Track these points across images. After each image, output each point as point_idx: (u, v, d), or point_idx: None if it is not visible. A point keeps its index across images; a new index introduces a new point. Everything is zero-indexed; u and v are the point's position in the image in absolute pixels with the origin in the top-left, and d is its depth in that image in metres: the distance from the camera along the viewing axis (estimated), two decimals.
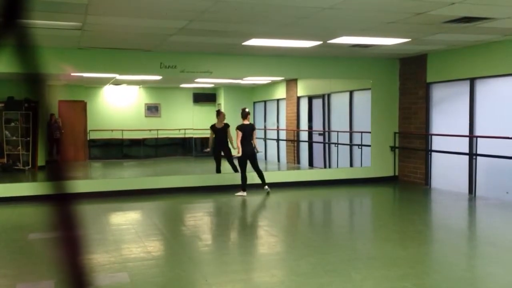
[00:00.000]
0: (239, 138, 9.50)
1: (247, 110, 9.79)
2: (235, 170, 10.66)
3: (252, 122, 9.88)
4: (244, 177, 9.58)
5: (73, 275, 0.93)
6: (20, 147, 13.68)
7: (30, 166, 13.73)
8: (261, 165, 15.95)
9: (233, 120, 11.47)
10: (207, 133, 11.48)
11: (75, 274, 0.93)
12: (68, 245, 0.93)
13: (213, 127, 10.74)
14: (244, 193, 9.52)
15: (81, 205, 1.02)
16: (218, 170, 10.87)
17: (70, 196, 0.94)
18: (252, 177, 9.81)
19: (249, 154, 9.54)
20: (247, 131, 9.54)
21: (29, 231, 6.72)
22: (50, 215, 0.93)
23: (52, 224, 0.93)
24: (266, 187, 9.74)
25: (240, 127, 9.54)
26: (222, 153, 10.83)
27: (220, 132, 10.62)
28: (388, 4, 6.04)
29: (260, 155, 16.95)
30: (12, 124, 13.75)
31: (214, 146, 10.84)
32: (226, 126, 10.67)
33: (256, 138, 10.02)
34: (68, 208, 0.94)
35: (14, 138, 13.71)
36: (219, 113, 10.96)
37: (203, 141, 18.63)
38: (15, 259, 5.64)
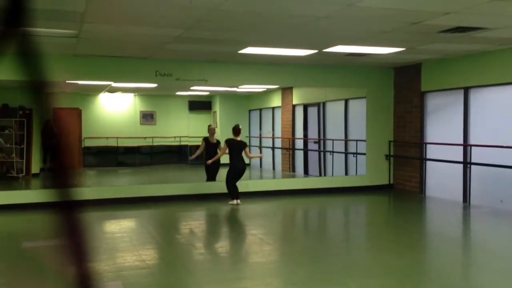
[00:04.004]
0: (223, 152, 9.61)
1: (240, 127, 9.70)
2: (210, 180, 10.62)
3: (243, 140, 9.76)
4: (230, 188, 9.44)
5: (78, 281, 0.92)
6: (14, 155, 13.62)
7: (24, 174, 13.67)
8: (256, 173, 16.07)
9: (229, 128, 11.42)
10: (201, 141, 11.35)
11: (80, 280, 0.92)
12: (73, 252, 0.93)
13: (206, 140, 10.66)
14: (239, 201, 9.43)
15: (77, 213, 1.02)
16: (209, 180, 10.74)
17: (74, 203, 0.94)
18: (243, 186, 9.73)
19: (237, 171, 9.42)
20: (235, 147, 9.40)
21: (24, 239, 6.67)
22: (55, 222, 0.93)
23: (56, 231, 0.93)
24: (236, 201, 9.42)
25: (227, 141, 9.47)
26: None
27: (212, 147, 10.52)
28: (383, 14, 6.08)
29: (255, 163, 17.06)
30: (6, 131, 13.70)
31: (206, 159, 10.59)
32: (218, 142, 10.60)
33: (252, 146, 9.99)
34: (72, 215, 0.94)
35: (8, 145, 13.65)
36: (209, 129, 10.92)
37: (198, 149, 18.62)
38: (9, 267, 5.59)
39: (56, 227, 0.94)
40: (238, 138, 9.49)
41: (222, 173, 10.89)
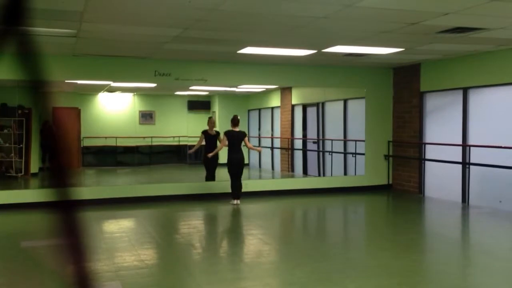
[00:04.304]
0: (223, 144, 9.51)
1: (238, 117, 9.60)
2: (208, 180, 10.54)
3: (242, 130, 9.68)
4: (233, 185, 9.44)
5: (76, 281, 0.92)
6: (13, 154, 13.61)
7: (22, 173, 13.65)
8: (255, 173, 16.08)
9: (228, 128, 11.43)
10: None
11: (79, 280, 0.92)
12: (71, 252, 0.93)
13: (205, 133, 10.59)
14: (238, 202, 9.43)
15: (76, 213, 1.01)
16: (208, 179, 10.71)
17: (72, 202, 0.94)
18: (243, 186, 9.69)
19: (235, 162, 9.33)
20: (235, 138, 9.35)
21: (22, 239, 6.66)
22: (53, 221, 0.93)
23: (55, 230, 0.93)
24: (236, 201, 9.41)
25: (226, 133, 9.40)
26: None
27: (212, 139, 10.50)
28: (383, 14, 6.08)
29: (255, 163, 17.05)
30: (5, 130, 13.69)
31: (205, 153, 10.48)
32: (217, 133, 10.57)
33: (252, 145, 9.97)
34: (71, 215, 0.94)
35: (7, 145, 13.64)
36: (209, 121, 10.86)
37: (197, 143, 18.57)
38: (7, 267, 5.58)
39: (55, 226, 0.94)
40: (237, 129, 9.44)
41: (222, 172, 10.91)
